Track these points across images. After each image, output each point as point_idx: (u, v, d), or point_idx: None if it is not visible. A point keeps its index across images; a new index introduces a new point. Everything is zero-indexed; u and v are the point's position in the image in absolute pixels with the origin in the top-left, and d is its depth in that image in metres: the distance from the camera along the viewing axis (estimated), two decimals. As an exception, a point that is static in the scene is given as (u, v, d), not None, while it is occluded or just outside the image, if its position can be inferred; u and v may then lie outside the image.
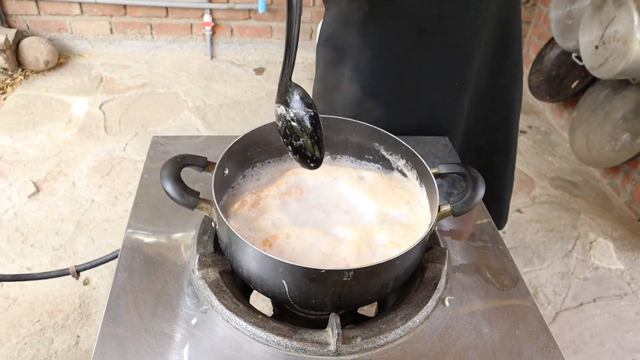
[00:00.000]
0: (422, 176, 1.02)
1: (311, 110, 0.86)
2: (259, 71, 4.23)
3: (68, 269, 1.71)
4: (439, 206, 0.92)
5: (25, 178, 2.86)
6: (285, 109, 0.88)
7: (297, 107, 0.87)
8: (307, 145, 0.89)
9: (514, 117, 1.67)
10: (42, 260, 2.37)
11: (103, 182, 2.90)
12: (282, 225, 0.93)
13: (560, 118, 3.82)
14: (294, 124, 0.88)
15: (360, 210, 1.00)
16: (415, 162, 1.04)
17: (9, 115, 3.39)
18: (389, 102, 1.42)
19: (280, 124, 0.91)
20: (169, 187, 0.87)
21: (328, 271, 0.78)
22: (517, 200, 3.12)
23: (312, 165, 0.91)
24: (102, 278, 2.32)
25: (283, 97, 0.88)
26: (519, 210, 3.06)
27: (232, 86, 3.97)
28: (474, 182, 0.94)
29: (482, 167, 1.69)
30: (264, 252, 0.79)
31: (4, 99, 3.55)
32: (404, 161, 1.08)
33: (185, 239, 1.03)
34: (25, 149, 3.10)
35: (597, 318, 2.47)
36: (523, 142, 3.67)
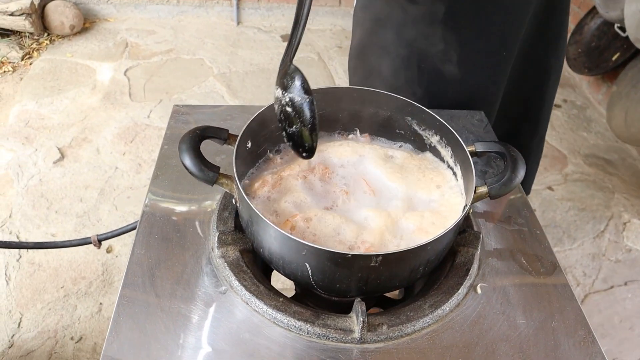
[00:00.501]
0: (457, 154, 0.96)
1: (308, 97, 0.81)
2: (286, 38, 4.13)
3: (90, 237, 1.70)
4: (475, 187, 0.86)
5: (51, 144, 2.86)
6: (282, 93, 0.83)
7: (294, 92, 0.82)
8: (301, 133, 0.84)
9: (548, 87, 1.56)
10: (66, 227, 2.38)
11: (127, 149, 2.89)
12: (304, 207, 0.88)
13: (598, 92, 3.66)
14: (288, 109, 0.83)
15: (387, 193, 0.94)
16: (450, 138, 0.97)
17: (35, 80, 3.39)
18: (432, 74, 1.33)
19: (276, 107, 0.86)
20: (188, 161, 0.82)
21: (354, 256, 0.73)
22: (548, 177, 3.02)
23: (304, 155, 0.86)
24: (125, 246, 2.32)
25: (282, 80, 0.83)
26: (550, 188, 2.96)
27: (259, 53, 3.89)
28: (513, 162, 0.87)
29: (508, 135, 1.61)
30: (286, 234, 0.74)
31: (30, 64, 3.54)
32: (437, 137, 1.01)
33: (205, 214, 0.99)
34: (50, 114, 3.09)
35: (628, 302, 2.39)
36: (557, 117, 3.54)
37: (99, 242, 1.70)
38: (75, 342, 1.96)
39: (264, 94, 3.46)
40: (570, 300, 0.89)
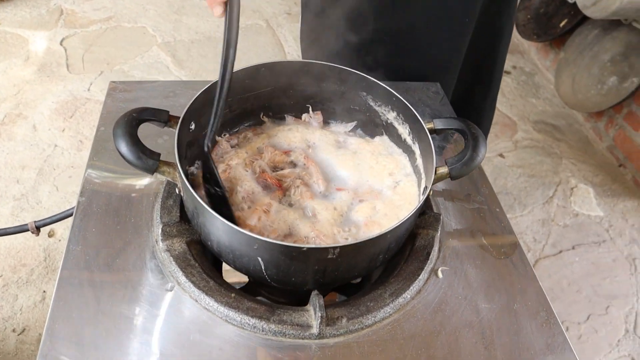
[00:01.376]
0: (415, 132, 0.91)
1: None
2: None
3: (27, 224, 1.58)
4: (435, 168, 0.82)
5: (-19, 121, 2.66)
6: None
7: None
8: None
9: (499, 50, 1.54)
10: (2, 211, 2.23)
11: (66, 125, 2.71)
12: (255, 198, 0.82)
13: (546, 59, 3.70)
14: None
15: (337, 183, 0.89)
16: (407, 115, 0.92)
17: (-42, 51, 3.13)
18: (390, 46, 1.27)
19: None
20: (124, 148, 0.74)
21: (310, 249, 0.68)
22: (499, 144, 3.05)
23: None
24: (69, 229, 2.19)
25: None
26: (501, 155, 2.99)
27: (205, 20, 3.71)
28: (474, 141, 0.83)
29: (461, 97, 1.59)
30: (236, 228, 0.68)
31: (-47, 33, 3.26)
32: (394, 114, 0.96)
33: (148, 203, 0.91)
34: (-21, 89, 2.87)
35: (576, 265, 2.46)
36: (507, 83, 3.56)
37: (37, 228, 1.58)
38: (18, 335, 1.85)
39: (211, 63, 3.32)
40: (531, 281, 0.87)
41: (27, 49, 3.21)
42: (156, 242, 0.83)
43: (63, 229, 2.19)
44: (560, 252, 2.51)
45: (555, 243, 2.54)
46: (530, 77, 3.67)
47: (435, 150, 0.83)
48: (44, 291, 1.97)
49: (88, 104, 2.86)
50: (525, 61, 3.83)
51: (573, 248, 2.54)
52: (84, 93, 2.94)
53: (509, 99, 3.43)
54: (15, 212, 2.23)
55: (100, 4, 3.73)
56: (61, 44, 3.30)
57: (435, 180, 0.82)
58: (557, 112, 3.39)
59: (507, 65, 3.74)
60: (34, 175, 2.42)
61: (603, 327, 2.21)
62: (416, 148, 0.92)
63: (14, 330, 1.86)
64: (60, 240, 2.15)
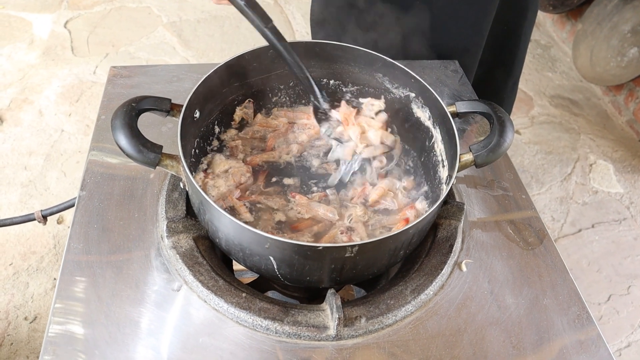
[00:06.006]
0: (437, 116, 0.85)
1: None
2: (239, -18, 3.86)
3: (33, 214, 1.55)
4: (459, 155, 0.75)
5: (-14, 107, 2.62)
6: None
7: None
8: None
9: (524, 28, 1.45)
10: (11, 198, 2.20)
11: (73, 109, 2.67)
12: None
13: (562, 30, 3.58)
14: None
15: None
16: (427, 98, 0.85)
17: (-38, 36, 3.08)
18: (406, 22, 1.19)
19: None
20: (123, 141, 0.68)
21: (326, 248, 0.63)
22: (515, 120, 2.96)
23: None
24: (77, 215, 2.16)
25: None
26: (517, 132, 2.90)
27: (210, -1, 3.63)
28: (501, 125, 0.77)
29: (481, 80, 1.51)
30: (245, 226, 0.63)
31: (-44, 17, 3.21)
32: (413, 95, 0.89)
33: (152, 196, 0.86)
34: (-17, 74, 2.82)
35: (595, 244, 2.39)
36: (522, 58, 3.45)
37: (44, 217, 1.55)
38: (30, 322, 1.83)
39: (218, 43, 3.24)
40: (561, 272, 0.82)
41: (31, 32, 3.15)
42: (161, 238, 0.79)
43: (72, 215, 2.16)
44: (580, 230, 2.44)
45: (574, 221, 2.47)
46: (546, 50, 3.55)
47: (459, 135, 0.77)
48: (55, 278, 1.95)
49: (94, 87, 2.81)
50: (540, 34, 3.70)
51: (592, 226, 2.47)
52: (90, 76, 2.89)
53: (524, 73, 3.32)
54: (24, 199, 2.20)
55: (103, -17, 3.65)
56: (65, 27, 3.23)
57: (460, 169, 0.76)
58: (574, 86, 3.28)
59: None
60: (42, 161, 2.38)
61: (624, 307, 2.16)
62: (437, 133, 0.85)
63: (25, 318, 1.85)
64: (69, 227, 2.12)
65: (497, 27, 1.40)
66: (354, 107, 0.92)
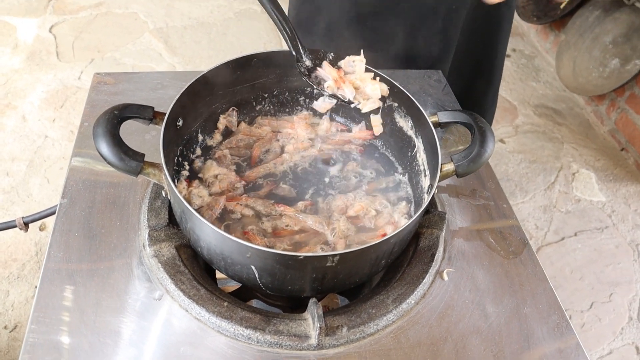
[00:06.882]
0: (419, 126, 0.85)
1: None
2: (226, -12, 3.87)
3: (14, 221, 1.53)
4: (441, 165, 0.76)
5: (-32, 112, 2.59)
6: None
7: None
8: None
9: (500, 38, 1.47)
10: (-8, 205, 2.18)
11: (57, 115, 2.65)
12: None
13: (546, 41, 3.63)
14: None
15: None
16: (410, 108, 0.86)
17: (-56, 39, 3.04)
18: (379, 29, 1.20)
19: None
20: (105, 149, 0.68)
21: (307, 257, 0.63)
22: (500, 129, 2.99)
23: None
24: (60, 222, 2.14)
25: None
26: (502, 141, 2.93)
27: (197, 5, 3.62)
28: (482, 135, 0.78)
29: (461, 92, 1.52)
30: (226, 235, 0.63)
31: (-61, 21, 3.17)
32: (396, 104, 0.90)
33: (135, 204, 0.86)
34: (-34, 78, 2.79)
35: (578, 252, 2.42)
36: (506, 67, 3.49)
37: (26, 225, 1.53)
38: (10, 331, 1.81)
39: (204, 50, 3.24)
40: (541, 281, 0.83)
41: (15, 36, 3.13)
42: (143, 247, 0.78)
43: (54, 222, 2.14)
44: (563, 239, 2.47)
45: (557, 230, 2.50)
46: (530, 60, 3.60)
47: (440, 145, 0.78)
48: (36, 286, 1.93)
49: (79, 93, 2.79)
50: (524, 44, 3.75)
51: (575, 235, 2.49)
52: (75, 82, 2.87)
53: (508, 82, 3.37)
54: (5, 206, 2.18)
55: (90, -11, 3.63)
56: (50, 31, 3.21)
57: (441, 179, 0.76)
58: (557, 95, 3.33)
59: (507, 48, 3.66)
60: (24, 167, 2.36)
61: (606, 315, 2.18)
62: (419, 143, 0.86)
63: (5, 327, 1.82)
64: (51, 234, 2.10)
65: (473, 38, 1.41)
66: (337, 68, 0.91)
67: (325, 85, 0.80)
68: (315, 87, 0.81)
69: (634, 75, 2.71)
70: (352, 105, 0.81)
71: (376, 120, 0.90)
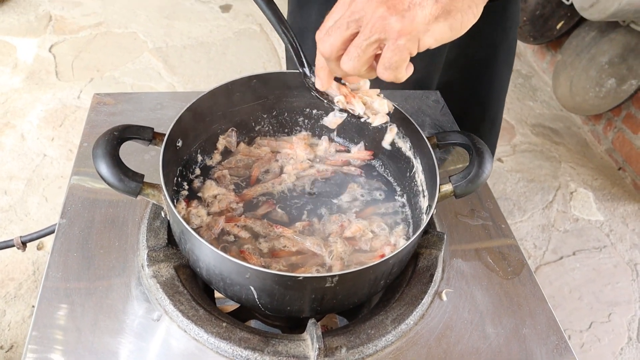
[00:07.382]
0: (417, 147, 0.86)
1: None
2: (226, 8, 3.91)
3: (12, 240, 1.53)
4: (439, 186, 0.77)
5: (-32, 131, 2.60)
6: None
7: None
8: None
9: (496, 67, 1.42)
10: (-11, 224, 2.17)
11: (56, 134, 2.66)
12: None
13: (542, 61, 3.67)
14: None
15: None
16: (408, 129, 0.87)
17: (-54, 59, 3.06)
18: None
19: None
20: (104, 170, 0.69)
21: (307, 278, 0.63)
22: (498, 148, 3.00)
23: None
24: (58, 241, 2.13)
25: None
26: (499, 160, 2.95)
27: (197, 25, 3.66)
28: (479, 157, 0.78)
29: (456, 117, 1.49)
30: (225, 256, 0.63)
31: (-59, 41, 3.20)
32: (394, 125, 0.91)
33: (134, 224, 0.86)
34: (-34, 97, 2.81)
35: (577, 272, 2.42)
36: (503, 87, 3.52)
37: (24, 244, 1.53)
38: (6, 352, 1.79)
39: (204, 69, 3.26)
40: (540, 302, 0.83)
41: (15, 56, 3.15)
42: (142, 267, 0.78)
43: (52, 241, 2.13)
44: (561, 258, 2.47)
45: (555, 249, 2.50)
46: (527, 80, 3.64)
47: (438, 165, 0.79)
48: (33, 306, 1.91)
49: (78, 112, 2.81)
50: (522, 63, 3.79)
51: (574, 254, 2.49)
52: (74, 101, 2.88)
53: (506, 102, 3.39)
54: (3, 225, 2.17)
55: (89, 9, 3.67)
56: (50, 51, 3.24)
57: (439, 199, 0.77)
58: (555, 115, 3.35)
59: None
60: (22, 186, 2.36)
61: (605, 335, 2.17)
62: (417, 163, 0.87)
63: (1, 347, 1.80)
64: (50, 253, 2.09)
65: (466, 61, 1.39)
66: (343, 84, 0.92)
67: (336, 100, 0.81)
68: (326, 101, 0.81)
69: (630, 95, 2.74)
70: (362, 120, 0.82)
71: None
